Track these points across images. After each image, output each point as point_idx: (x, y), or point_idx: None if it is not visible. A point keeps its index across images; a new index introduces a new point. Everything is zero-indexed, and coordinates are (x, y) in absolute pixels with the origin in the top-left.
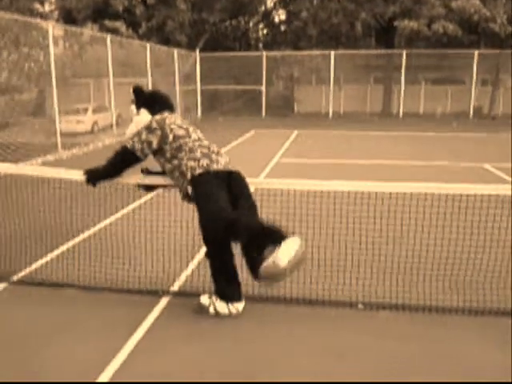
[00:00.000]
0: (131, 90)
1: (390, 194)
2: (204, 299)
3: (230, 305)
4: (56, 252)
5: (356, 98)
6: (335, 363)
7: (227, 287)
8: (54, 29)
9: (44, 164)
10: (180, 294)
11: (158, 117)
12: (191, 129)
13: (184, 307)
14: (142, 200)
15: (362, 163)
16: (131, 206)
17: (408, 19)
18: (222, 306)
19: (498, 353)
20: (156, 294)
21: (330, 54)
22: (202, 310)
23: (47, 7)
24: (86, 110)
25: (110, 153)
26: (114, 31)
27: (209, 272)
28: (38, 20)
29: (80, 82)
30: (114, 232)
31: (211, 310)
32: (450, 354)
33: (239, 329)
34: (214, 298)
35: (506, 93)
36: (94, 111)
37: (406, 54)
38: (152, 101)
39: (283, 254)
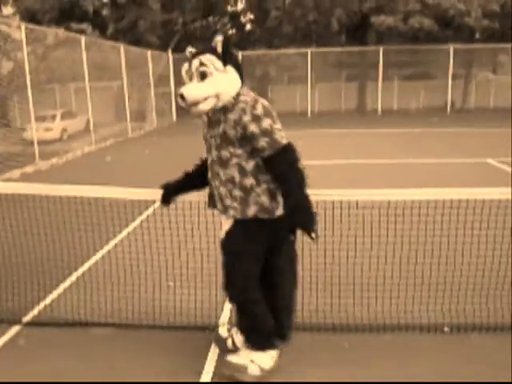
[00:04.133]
0: (219, 39)
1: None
2: (222, 331)
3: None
4: (66, 284)
5: (329, 97)
6: None
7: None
8: (21, 30)
9: (23, 177)
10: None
11: (262, 99)
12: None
13: None
14: (144, 216)
15: (362, 163)
16: (137, 221)
17: (384, 15)
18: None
19: None
20: (204, 330)
21: (306, 52)
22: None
23: (6, 10)
24: (53, 116)
25: (92, 161)
26: (81, 33)
27: None
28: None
29: (44, 88)
30: (128, 254)
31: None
32: None
33: (315, 359)
34: (234, 330)
35: (477, 87)
36: (63, 117)
37: (383, 51)
38: (238, 66)
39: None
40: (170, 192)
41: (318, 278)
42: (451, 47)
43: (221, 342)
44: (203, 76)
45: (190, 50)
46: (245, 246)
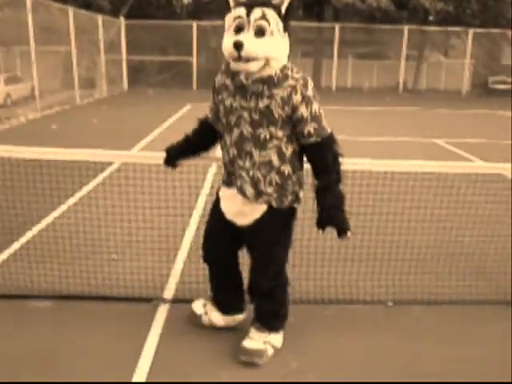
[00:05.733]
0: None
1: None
2: (197, 307)
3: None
4: (5, 254)
5: None
6: (371, 369)
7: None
8: None
9: None
10: (176, 300)
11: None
12: None
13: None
14: (94, 183)
15: None
16: (84, 191)
17: None
18: (216, 316)
19: None
20: (149, 302)
21: None
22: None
23: None
24: None
25: (36, 128)
26: None
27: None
28: None
29: None
30: (74, 224)
31: (204, 319)
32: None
33: None
34: (209, 306)
35: (428, 68)
36: (7, 82)
37: (340, 28)
38: (290, 36)
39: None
40: (173, 156)
41: None
42: (406, 28)
43: (195, 319)
44: (261, 32)
45: None
46: (282, 234)
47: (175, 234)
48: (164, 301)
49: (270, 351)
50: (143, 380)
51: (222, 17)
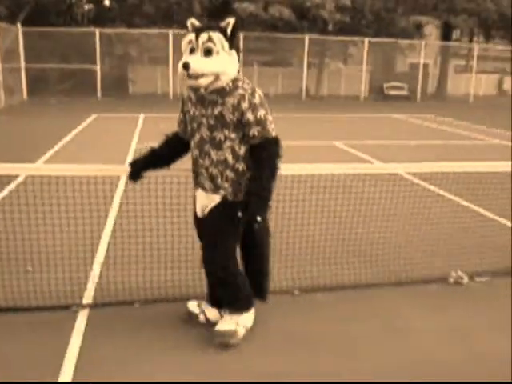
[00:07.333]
0: (231, 21)
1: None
2: (192, 307)
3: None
4: None
5: None
6: (287, 355)
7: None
8: None
9: None
10: (95, 305)
11: (258, 88)
12: None
13: (113, 320)
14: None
15: None
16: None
17: (246, 1)
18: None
19: (436, 314)
20: (68, 309)
21: (168, 34)
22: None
23: None
24: None
25: None
26: None
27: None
28: None
29: None
30: None
31: (201, 317)
32: (397, 327)
33: (179, 329)
34: (203, 305)
35: (329, 75)
36: None
37: (244, 37)
38: (238, 50)
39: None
40: (138, 169)
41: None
42: (306, 37)
43: (191, 318)
44: (208, 52)
45: (193, 21)
46: (231, 226)
47: (90, 243)
48: (83, 306)
49: (242, 331)
50: (69, 380)
51: (126, 24)
